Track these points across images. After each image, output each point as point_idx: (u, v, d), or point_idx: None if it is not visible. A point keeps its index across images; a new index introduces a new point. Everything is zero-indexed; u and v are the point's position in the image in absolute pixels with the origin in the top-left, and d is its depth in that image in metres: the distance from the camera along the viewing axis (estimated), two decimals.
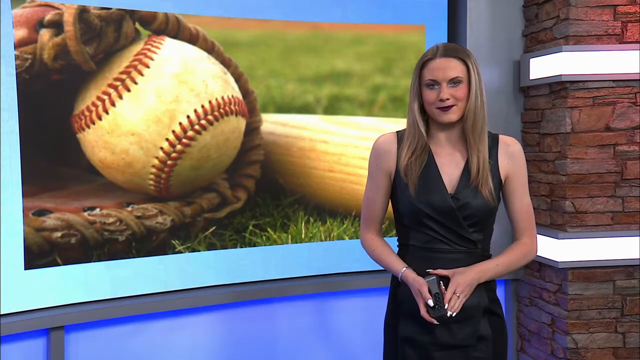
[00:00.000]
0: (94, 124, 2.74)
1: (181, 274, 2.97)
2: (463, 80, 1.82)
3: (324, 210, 3.24)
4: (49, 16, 2.62)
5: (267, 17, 3.08)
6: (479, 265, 1.84)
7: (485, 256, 1.90)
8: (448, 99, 1.80)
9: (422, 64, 1.84)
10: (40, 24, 2.61)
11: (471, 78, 1.82)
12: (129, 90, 2.78)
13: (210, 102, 2.92)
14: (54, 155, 2.70)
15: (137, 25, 2.81)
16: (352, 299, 3.29)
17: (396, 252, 1.95)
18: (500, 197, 1.91)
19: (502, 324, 1.92)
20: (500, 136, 1.93)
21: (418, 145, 1.86)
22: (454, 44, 1.89)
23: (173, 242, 2.94)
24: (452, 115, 1.82)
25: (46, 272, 2.68)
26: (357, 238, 3.25)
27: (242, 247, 3.09)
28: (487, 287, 1.88)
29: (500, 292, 1.97)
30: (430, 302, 1.77)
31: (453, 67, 1.81)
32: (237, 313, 3.11)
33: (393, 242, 2.00)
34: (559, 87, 3.02)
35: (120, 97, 2.77)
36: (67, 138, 2.71)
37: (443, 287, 1.79)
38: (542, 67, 3.10)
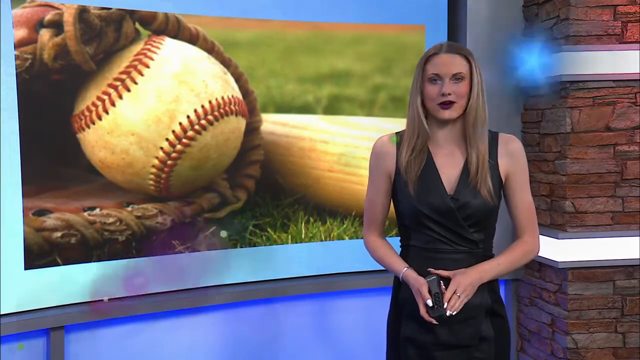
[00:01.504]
0: (94, 124, 2.74)
1: (181, 274, 2.96)
2: (465, 78, 1.82)
3: (324, 210, 3.24)
4: (49, 16, 2.62)
5: (267, 17, 3.08)
6: (481, 265, 1.84)
7: (487, 256, 1.89)
8: (450, 94, 1.80)
9: (426, 59, 1.85)
10: (40, 24, 2.61)
11: (473, 76, 1.83)
12: (129, 90, 2.78)
13: (210, 102, 2.92)
14: (54, 155, 2.70)
15: (137, 25, 2.81)
16: (352, 299, 3.29)
17: (398, 253, 1.95)
18: (500, 196, 1.90)
19: (504, 325, 1.92)
20: (500, 134, 1.92)
21: (418, 142, 1.86)
22: (458, 43, 1.90)
23: (173, 242, 2.94)
24: (453, 112, 1.82)
25: (46, 272, 2.68)
26: (357, 238, 3.26)
27: (242, 247, 3.09)
28: (489, 287, 1.87)
29: (500, 292, 1.97)
30: (429, 302, 1.76)
31: (457, 64, 1.82)
32: (237, 313, 3.11)
33: (393, 242, 2.00)
34: (559, 87, 3.02)
35: (120, 97, 2.76)
36: (67, 138, 2.71)
37: (443, 287, 1.79)
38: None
